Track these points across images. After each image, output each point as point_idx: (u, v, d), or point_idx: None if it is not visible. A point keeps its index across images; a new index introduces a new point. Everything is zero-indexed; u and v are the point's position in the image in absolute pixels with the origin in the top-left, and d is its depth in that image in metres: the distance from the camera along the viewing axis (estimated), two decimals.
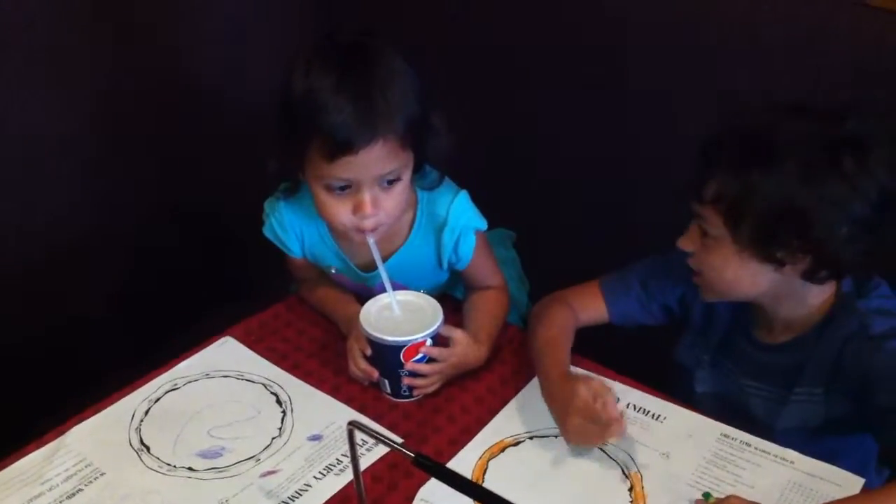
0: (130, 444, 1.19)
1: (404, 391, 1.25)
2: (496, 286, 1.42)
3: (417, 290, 1.35)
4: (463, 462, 1.16)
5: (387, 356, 1.22)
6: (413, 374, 1.23)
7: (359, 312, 1.25)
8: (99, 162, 1.73)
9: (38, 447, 1.18)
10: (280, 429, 1.22)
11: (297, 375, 1.31)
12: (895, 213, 1.09)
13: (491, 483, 1.12)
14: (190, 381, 1.30)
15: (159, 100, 1.78)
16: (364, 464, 1.14)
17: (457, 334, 1.26)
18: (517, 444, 1.19)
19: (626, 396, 1.24)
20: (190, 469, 1.16)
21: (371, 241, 1.26)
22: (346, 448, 1.17)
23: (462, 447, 1.18)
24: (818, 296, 1.18)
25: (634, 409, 1.23)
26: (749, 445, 1.16)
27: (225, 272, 1.96)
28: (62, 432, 1.20)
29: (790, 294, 1.18)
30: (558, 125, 1.76)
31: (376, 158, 1.18)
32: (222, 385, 1.29)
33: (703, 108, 1.51)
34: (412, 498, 1.10)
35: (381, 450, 1.17)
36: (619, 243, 1.49)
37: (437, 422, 1.23)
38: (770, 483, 1.10)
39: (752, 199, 1.09)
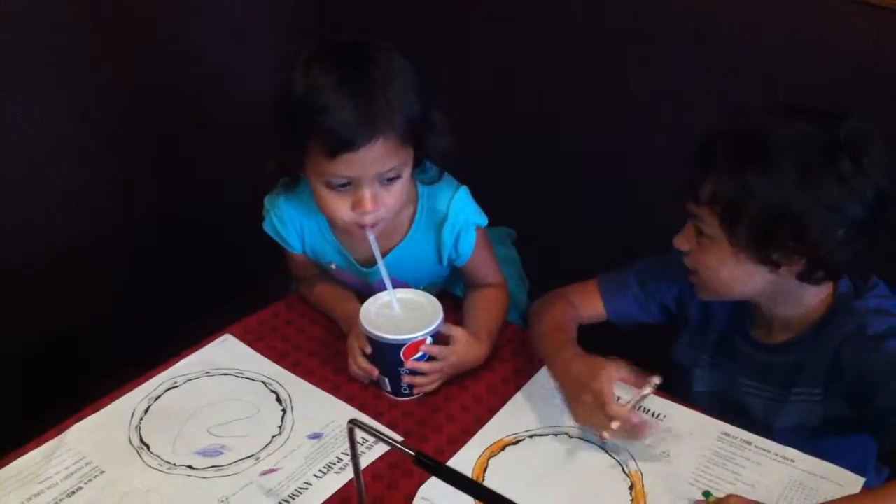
0: (130, 443, 1.19)
1: (404, 389, 1.25)
2: (496, 284, 1.42)
3: (417, 286, 1.35)
4: (463, 460, 1.16)
5: (387, 354, 1.22)
6: (413, 373, 1.23)
7: (359, 310, 1.25)
8: (99, 162, 1.73)
9: (37, 445, 1.18)
10: (280, 427, 1.22)
11: (297, 373, 1.31)
12: (890, 214, 1.09)
13: (491, 481, 1.12)
14: (190, 380, 1.30)
15: (159, 99, 1.78)
16: (364, 462, 1.14)
17: (457, 333, 1.26)
18: (517, 442, 1.19)
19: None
20: (190, 467, 1.15)
21: (371, 237, 1.26)
22: (345, 446, 1.17)
23: (462, 445, 1.18)
24: (815, 296, 1.18)
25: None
26: (749, 444, 1.16)
27: (224, 271, 1.96)
28: (62, 430, 1.20)
29: (787, 294, 1.18)
30: (558, 125, 1.76)
31: (377, 156, 1.18)
32: (222, 383, 1.29)
33: (704, 107, 1.53)
34: (412, 496, 1.10)
35: (381, 448, 1.17)
36: (618, 243, 1.49)
37: (437, 420, 1.23)
38: (771, 482, 1.10)
39: (747, 201, 1.09)
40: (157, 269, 1.87)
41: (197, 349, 1.35)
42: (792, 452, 1.14)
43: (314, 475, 1.14)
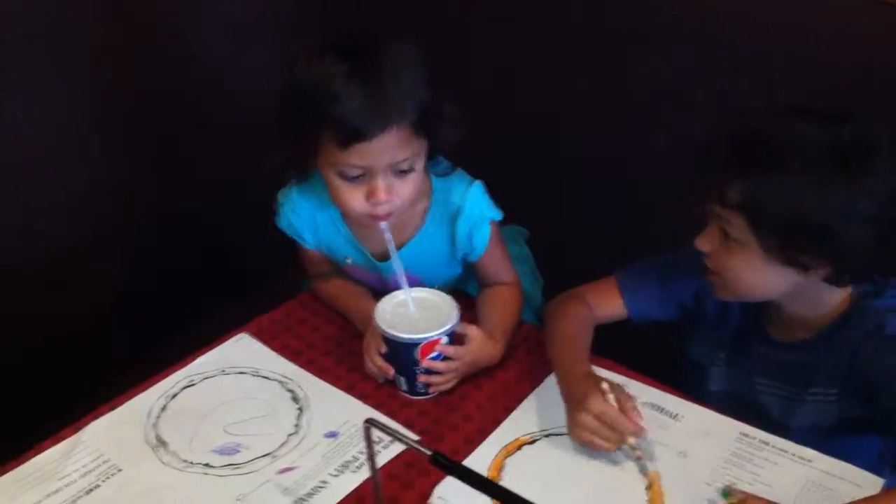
0: (147, 441, 1.19)
1: (420, 388, 1.25)
2: (510, 282, 1.42)
3: (431, 280, 1.35)
4: (479, 460, 1.15)
5: (402, 354, 1.22)
6: (429, 372, 1.23)
7: (374, 308, 1.25)
8: (99, 161, 1.73)
9: (54, 444, 1.19)
10: (296, 426, 1.22)
11: (313, 372, 1.31)
12: None
13: (508, 481, 1.12)
14: (206, 378, 1.30)
15: (159, 99, 1.77)
16: (380, 461, 1.14)
17: (472, 331, 1.26)
18: (533, 441, 1.18)
19: (643, 394, 1.24)
20: (206, 465, 1.16)
21: (385, 228, 1.26)
22: (362, 445, 1.16)
23: (478, 445, 1.18)
24: (835, 295, 1.17)
25: (651, 407, 1.22)
26: (767, 444, 1.16)
27: (225, 271, 1.96)
28: (79, 429, 1.21)
29: (808, 294, 1.17)
30: (558, 125, 1.76)
31: (389, 146, 1.18)
32: (238, 381, 1.29)
33: (704, 107, 1.52)
34: (428, 496, 1.10)
35: (397, 447, 1.17)
36: (618, 243, 1.48)
37: (452, 419, 1.23)
38: (788, 482, 1.10)
39: (781, 206, 1.07)
40: (157, 269, 1.87)
41: (213, 347, 1.35)
42: (809, 453, 1.14)
43: (330, 474, 1.14)
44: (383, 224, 1.26)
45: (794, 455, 1.14)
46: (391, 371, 1.25)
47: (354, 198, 1.24)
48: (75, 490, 1.12)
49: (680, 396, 1.24)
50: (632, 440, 1.12)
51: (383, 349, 1.24)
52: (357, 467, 1.15)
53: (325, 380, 1.30)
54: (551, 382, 1.26)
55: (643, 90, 1.62)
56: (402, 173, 1.23)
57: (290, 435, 1.20)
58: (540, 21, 1.71)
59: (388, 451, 1.17)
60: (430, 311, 1.25)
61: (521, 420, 1.22)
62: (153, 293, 1.85)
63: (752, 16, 1.46)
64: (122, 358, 1.52)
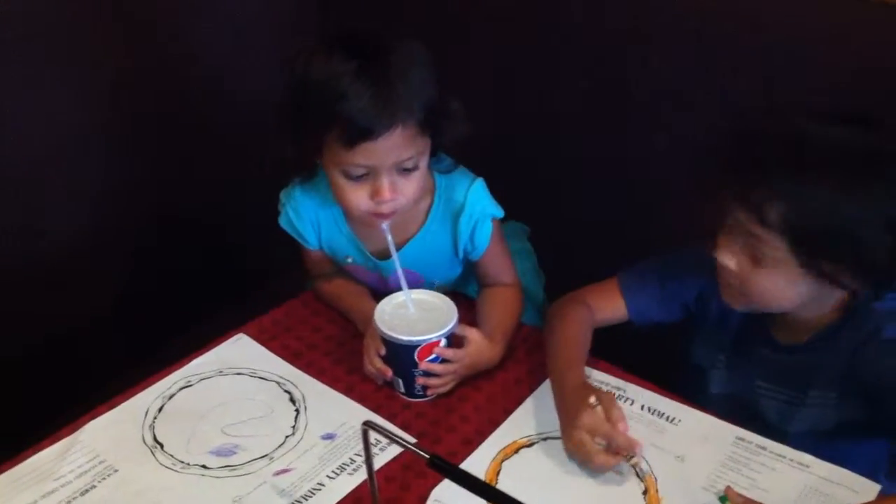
0: (144, 441, 1.19)
1: (418, 391, 1.25)
2: (510, 283, 1.42)
3: (431, 279, 1.34)
4: (477, 462, 1.15)
5: (401, 356, 1.22)
6: (427, 374, 1.23)
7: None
8: (99, 162, 1.73)
9: (51, 444, 1.18)
10: (293, 427, 1.22)
11: (311, 373, 1.31)
12: None
13: (504, 484, 1.12)
14: (203, 378, 1.30)
15: (159, 100, 1.78)
16: (377, 464, 1.14)
17: (472, 334, 1.26)
18: (531, 444, 1.18)
19: (640, 398, 1.24)
20: (203, 467, 1.15)
21: (385, 228, 1.26)
22: (359, 447, 1.17)
23: (476, 447, 1.18)
24: (835, 295, 1.16)
25: (648, 411, 1.22)
26: (764, 449, 1.15)
27: (235, 271, 1.96)
28: (76, 429, 1.20)
29: (817, 298, 1.15)
30: (558, 125, 1.76)
31: (395, 145, 1.18)
32: (236, 382, 1.29)
33: (704, 107, 1.52)
34: (425, 498, 1.10)
35: (395, 450, 1.17)
36: (618, 242, 1.49)
37: (450, 421, 1.23)
38: (786, 487, 1.10)
39: (826, 225, 1.04)
40: (157, 270, 1.87)
41: (211, 348, 1.35)
42: (807, 458, 1.14)
43: (327, 476, 1.14)
44: (384, 224, 1.26)
45: (791, 460, 1.14)
46: (389, 373, 1.25)
47: (358, 196, 1.24)
48: (71, 491, 1.11)
49: (678, 400, 1.24)
50: (634, 459, 1.11)
51: (382, 351, 1.24)
52: (354, 469, 1.15)
53: (323, 381, 1.30)
54: (550, 385, 1.26)
55: (643, 90, 1.62)
56: (407, 171, 1.23)
57: (287, 436, 1.20)
58: (540, 21, 1.71)
59: (385, 454, 1.16)
60: (429, 313, 1.25)
61: (519, 423, 1.22)
62: (153, 293, 1.85)
63: (752, 16, 1.46)
64: (122, 358, 1.52)
